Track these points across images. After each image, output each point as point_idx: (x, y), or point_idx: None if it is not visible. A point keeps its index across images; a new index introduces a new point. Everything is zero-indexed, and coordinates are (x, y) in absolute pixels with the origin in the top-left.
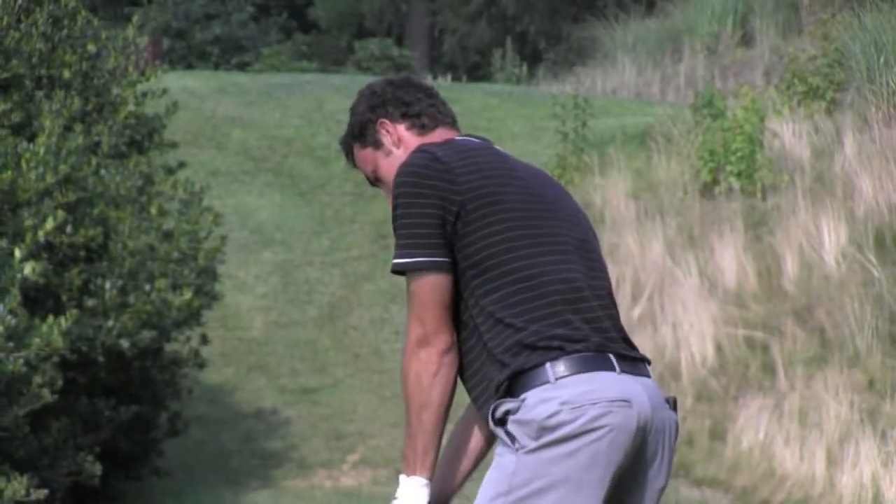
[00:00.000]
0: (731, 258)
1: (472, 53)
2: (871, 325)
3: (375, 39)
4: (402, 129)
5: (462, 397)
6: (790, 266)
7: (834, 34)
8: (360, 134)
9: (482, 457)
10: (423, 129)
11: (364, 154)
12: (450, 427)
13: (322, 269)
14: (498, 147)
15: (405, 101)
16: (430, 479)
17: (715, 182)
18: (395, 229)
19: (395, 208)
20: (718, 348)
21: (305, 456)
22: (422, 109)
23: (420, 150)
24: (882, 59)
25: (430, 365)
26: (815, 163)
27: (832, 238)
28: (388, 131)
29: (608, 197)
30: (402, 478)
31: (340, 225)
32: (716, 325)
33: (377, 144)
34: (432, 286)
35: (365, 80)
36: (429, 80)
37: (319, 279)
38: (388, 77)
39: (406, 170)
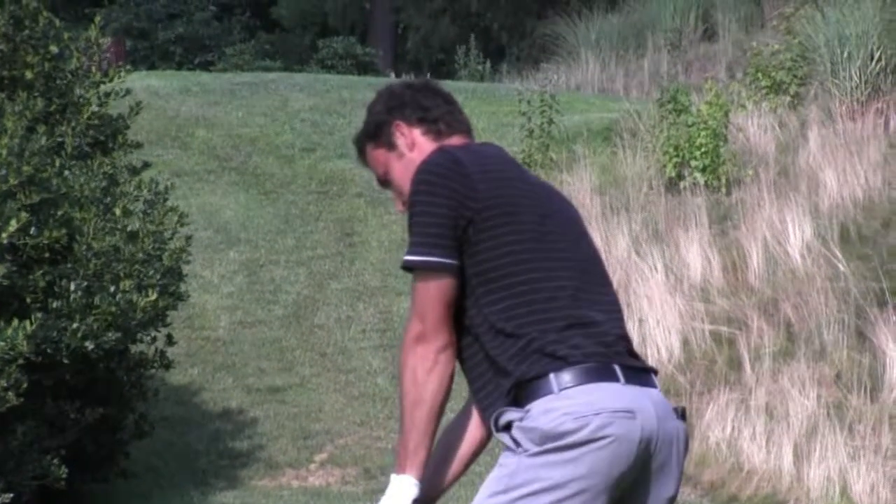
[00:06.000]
0: (696, 253)
1: (436, 51)
2: (836, 318)
3: (339, 38)
4: (417, 133)
5: (455, 403)
6: (755, 260)
7: (797, 28)
8: (374, 133)
9: (472, 460)
10: (438, 134)
11: (377, 154)
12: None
13: (287, 268)
14: (510, 155)
15: (423, 105)
16: (420, 478)
17: (680, 177)
18: (409, 226)
19: (411, 205)
20: (685, 343)
21: (273, 455)
22: (439, 115)
23: (442, 150)
24: (845, 53)
25: (425, 361)
26: (780, 157)
27: (797, 232)
28: (402, 133)
29: (573, 193)
30: (392, 476)
31: (305, 223)
32: (682, 320)
33: (391, 146)
34: (438, 286)
35: (329, 78)
36: (391, 77)
37: (285, 278)
38: (407, 80)
39: (426, 167)
